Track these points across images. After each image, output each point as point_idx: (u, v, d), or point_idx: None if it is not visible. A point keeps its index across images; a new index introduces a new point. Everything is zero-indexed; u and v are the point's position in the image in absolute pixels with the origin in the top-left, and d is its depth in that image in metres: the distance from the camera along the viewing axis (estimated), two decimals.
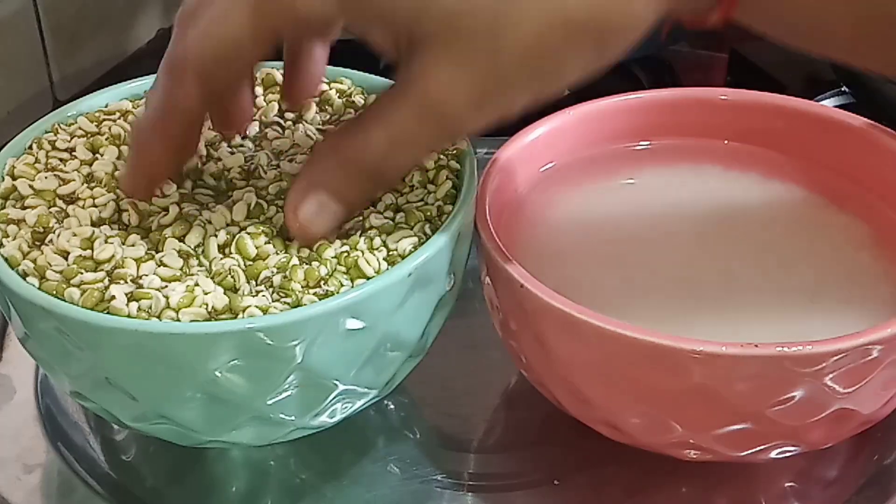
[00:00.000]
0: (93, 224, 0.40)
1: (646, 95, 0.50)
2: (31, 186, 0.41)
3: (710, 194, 0.48)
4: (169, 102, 0.37)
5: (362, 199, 0.39)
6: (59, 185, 0.41)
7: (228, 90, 0.39)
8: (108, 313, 0.36)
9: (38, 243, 0.39)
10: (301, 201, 0.37)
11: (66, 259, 0.38)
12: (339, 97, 0.47)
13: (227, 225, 0.40)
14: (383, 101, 0.36)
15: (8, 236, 0.39)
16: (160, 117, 0.38)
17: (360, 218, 0.40)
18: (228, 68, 0.36)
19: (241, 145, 0.44)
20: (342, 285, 0.37)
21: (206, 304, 0.37)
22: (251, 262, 0.38)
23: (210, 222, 0.40)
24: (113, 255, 0.38)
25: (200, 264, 0.39)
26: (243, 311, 0.36)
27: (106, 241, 0.39)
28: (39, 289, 0.37)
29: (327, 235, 0.39)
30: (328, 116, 0.46)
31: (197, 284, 0.37)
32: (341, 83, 0.47)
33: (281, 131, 0.45)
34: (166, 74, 0.37)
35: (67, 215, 0.40)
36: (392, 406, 0.48)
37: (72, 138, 0.44)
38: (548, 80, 0.36)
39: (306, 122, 0.45)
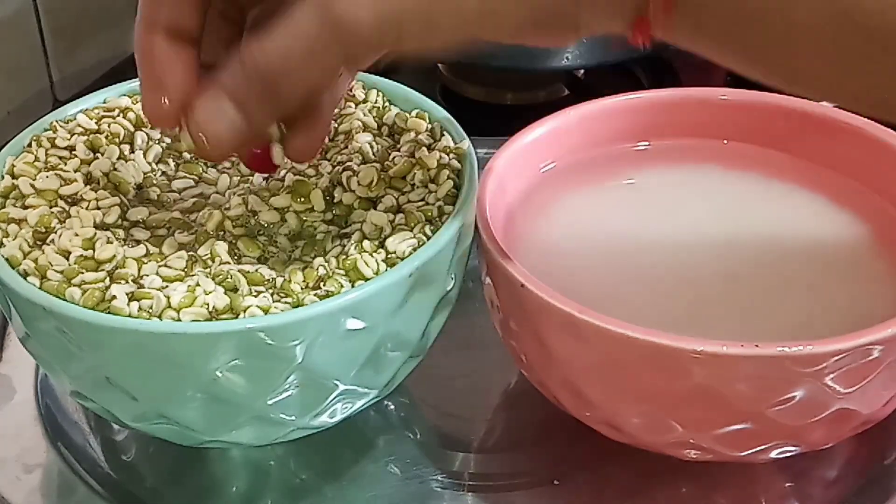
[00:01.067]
0: (96, 227, 0.40)
1: (646, 95, 0.50)
2: (32, 186, 0.41)
3: (711, 194, 0.48)
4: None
5: (261, 110, 0.35)
6: (61, 185, 0.41)
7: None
8: (108, 313, 0.36)
9: (39, 243, 0.39)
10: (201, 103, 0.35)
11: (67, 259, 0.38)
12: None
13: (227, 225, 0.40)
14: (293, 8, 0.33)
15: (9, 236, 0.39)
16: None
17: (361, 219, 0.40)
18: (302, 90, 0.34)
19: None
20: (342, 286, 0.37)
21: (207, 304, 0.37)
22: (251, 272, 0.38)
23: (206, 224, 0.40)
24: (114, 255, 0.38)
25: (205, 265, 0.39)
26: (244, 310, 0.36)
27: (107, 242, 0.39)
28: (40, 288, 0.37)
29: (226, 146, 0.36)
30: None
31: (198, 284, 0.37)
32: None
33: None
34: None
35: (69, 216, 0.40)
36: (392, 406, 0.48)
37: (71, 136, 0.44)
38: (470, 23, 0.33)
39: None
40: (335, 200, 0.42)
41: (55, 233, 0.39)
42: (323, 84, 0.36)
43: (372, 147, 0.43)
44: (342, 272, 0.38)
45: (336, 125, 0.45)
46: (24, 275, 0.38)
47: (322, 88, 0.37)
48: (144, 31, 0.36)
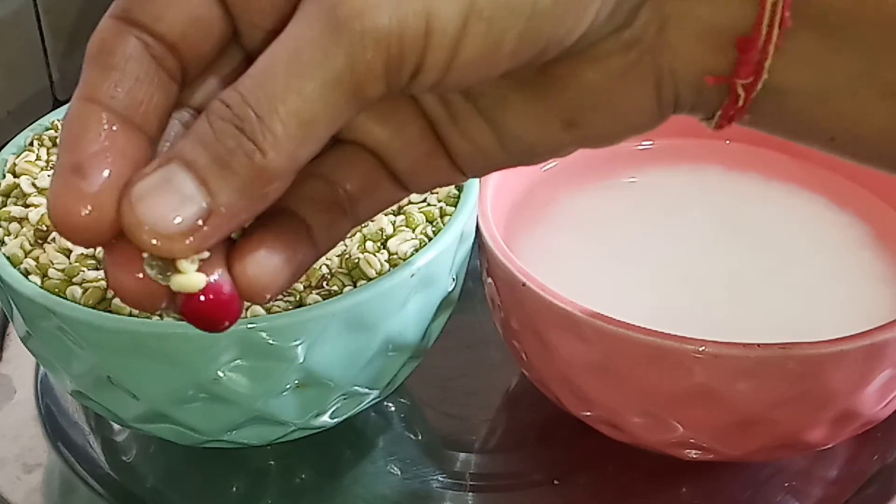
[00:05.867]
0: None
1: None
2: (33, 184, 0.41)
3: (712, 194, 0.48)
4: None
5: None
6: None
7: None
8: (109, 311, 0.36)
9: (40, 241, 0.39)
10: (140, 177, 0.24)
11: (68, 257, 0.38)
12: None
13: None
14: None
15: (10, 234, 0.39)
16: None
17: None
18: None
19: None
20: (345, 286, 0.37)
21: None
22: None
23: None
24: None
25: None
26: (246, 309, 0.36)
27: None
28: (41, 287, 0.37)
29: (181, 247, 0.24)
30: None
31: None
32: None
33: None
34: None
35: None
36: (392, 407, 0.48)
37: None
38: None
39: None
40: None
41: (56, 231, 0.39)
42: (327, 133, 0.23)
43: None
44: (345, 271, 0.38)
45: None
46: (26, 273, 0.38)
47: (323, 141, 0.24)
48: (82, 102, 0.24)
